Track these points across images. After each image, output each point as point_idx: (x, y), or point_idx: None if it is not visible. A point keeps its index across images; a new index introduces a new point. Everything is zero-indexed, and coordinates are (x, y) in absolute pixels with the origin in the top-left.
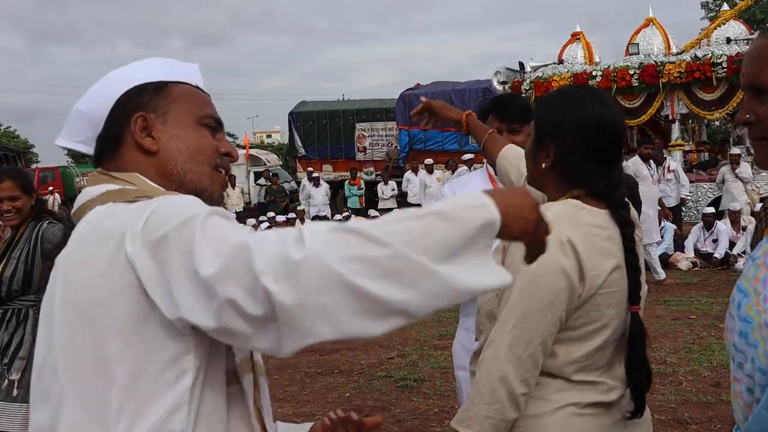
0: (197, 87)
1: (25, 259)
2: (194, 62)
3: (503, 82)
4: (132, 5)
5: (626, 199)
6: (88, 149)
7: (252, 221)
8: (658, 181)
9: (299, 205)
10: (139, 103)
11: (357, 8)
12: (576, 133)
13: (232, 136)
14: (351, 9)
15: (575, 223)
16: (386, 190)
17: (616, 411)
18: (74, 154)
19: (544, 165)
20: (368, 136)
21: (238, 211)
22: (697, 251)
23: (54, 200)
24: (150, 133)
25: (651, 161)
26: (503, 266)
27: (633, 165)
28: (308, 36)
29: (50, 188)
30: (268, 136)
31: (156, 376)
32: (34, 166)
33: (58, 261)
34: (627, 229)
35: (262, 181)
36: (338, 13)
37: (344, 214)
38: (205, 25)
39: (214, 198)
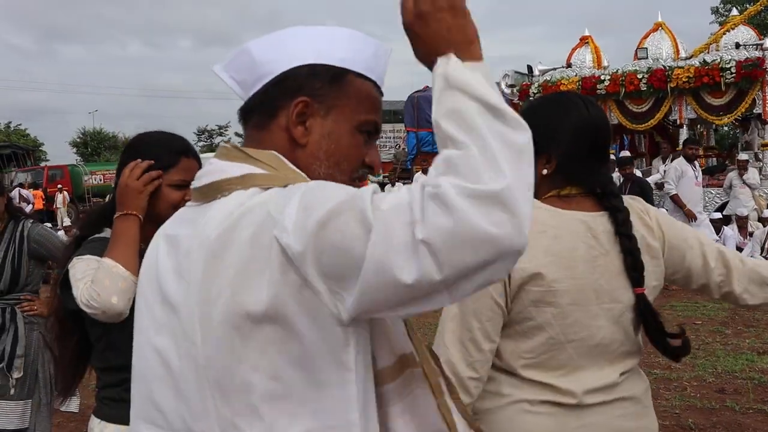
0: (375, 83)
1: (11, 259)
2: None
3: (511, 86)
4: (140, 4)
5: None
6: (241, 92)
7: None
8: (702, 184)
9: None
10: (308, 87)
11: (364, 8)
12: (578, 136)
13: (240, 136)
14: (358, 9)
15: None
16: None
17: (591, 414)
18: (83, 153)
19: (545, 171)
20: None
21: None
22: None
23: (63, 198)
24: (304, 121)
25: (695, 162)
26: None
27: (678, 166)
28: None
29: (59, 186)
30: None
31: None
32: (43, 164)
33: (191, 245)
34: (619, 215)
35: None
36: (345, 12)
37: None
38: (213, 24)
39: None
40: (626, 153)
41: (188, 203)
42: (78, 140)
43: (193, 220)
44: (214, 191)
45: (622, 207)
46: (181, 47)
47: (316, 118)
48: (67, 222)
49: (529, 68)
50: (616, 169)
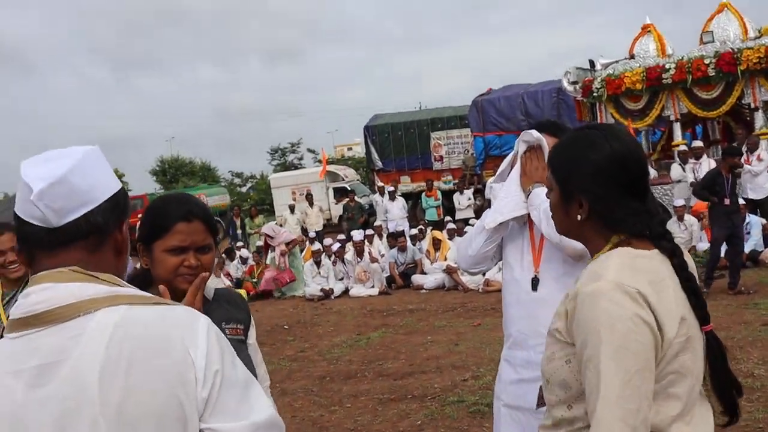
0: None
1: None
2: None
3: (574, 82)
4: (208, 27)
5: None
6: (54, 218)
7: (329, 241)
8: None
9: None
10: (125, 207)
11: (425, 10)
12: (602, 177)
13: (312, 152)
14: (423, 13)
15: (638, 273)
16: (462, 200)
17: None
18: (162, 181)
19: (579, 217)
20: (444, 145)
21: (317, 230)
22: None
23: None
24: (141, 249)
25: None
26: (568, 331)
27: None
28: (383, 45)
29: (139, 216)
30: (349, 149)
31: None
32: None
33: (88, 366)
34: (676, 259)
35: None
36: (411, 18)
37: (419, 227)
38: (281, 42)
39: None
40: (698, 143)
41: (18, 334)
42: (157, 168)
43: (48, 345)
44: (71, 312)
45: (676, 248)
46: (252, 67)
47: (124, 230)
48: None
49: (591, 63)
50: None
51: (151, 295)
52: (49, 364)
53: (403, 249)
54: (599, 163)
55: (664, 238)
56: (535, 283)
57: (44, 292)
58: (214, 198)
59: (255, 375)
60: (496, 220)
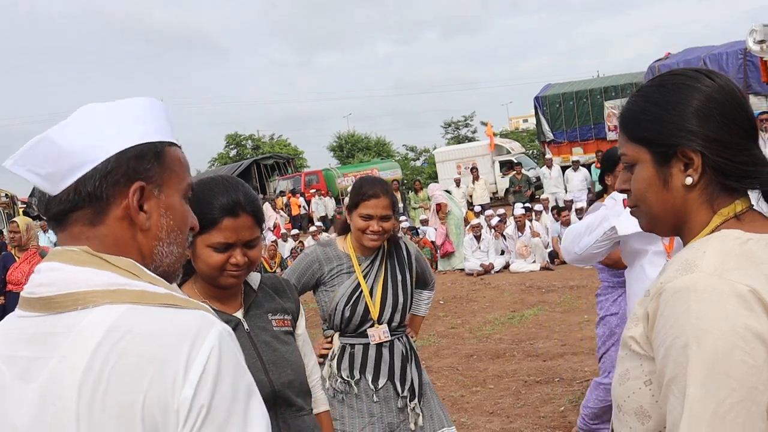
0: (178, 145)
1: None
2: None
3: (761, 41)
4: (387, 3)
5: None
6: (47, 186)
7: (490, 212)
8: None
9: (543, 193)
10: (140, 170)
11: None
12: (716, 114)
13: (485, 124)
14: None
15: (750, 262)
16: None
17: None
18: (339, 156)
19: (690, 180)
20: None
21: (482, 204)
22: None
23: (320, 200)
24: (142, 206)
25: None
26: (648, 341)
27: None
28: (561, 13)
29: (313, 190)
30: (525, 121)
31: None
32: (304, 170)
33: (68, 374)
34: None
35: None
36: None
37: (588, 200)
38: (457, 14)
39: (173, 277)
40: None
41: (22, 313)
42: (334, 144)
43: (40, 336)
44: (73, 302)
45: None
46: (428, 39)
47: (152, 199)
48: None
49: None
50: None
51: (165, 292)
52: (37, 359)
53: (567, 223)
54: (708, 97)
55: None
56: None
57: (50, 273)
58: (387, 172)
59: (303, 367)
60: (630, 230)
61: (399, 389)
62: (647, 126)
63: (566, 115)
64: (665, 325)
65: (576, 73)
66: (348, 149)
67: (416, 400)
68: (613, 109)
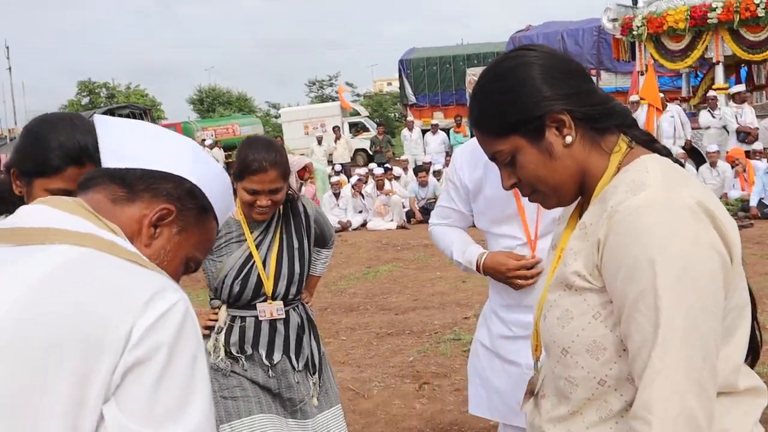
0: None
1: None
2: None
3: (613, 20)
4: None
5: None
6: (104, 153)
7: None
8: None
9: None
10: (181, 200)
11: None
12: (559, 74)
13: (351, 85)
14: None
15: (685, 177)
16: None
17: None
18: (199, 110)
19: (569, 139)
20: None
21: (343, 162)
22: None
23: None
24: (158, 225)
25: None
26: (596, 271)
27: None
28: None
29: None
30: (389, 84)
31: None
32: (162, 122)
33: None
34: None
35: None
36: None
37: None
38: None
39: None
40: (741, 87)
41: None
42: (194, 97)
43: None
44: (39, 236)
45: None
46: None
47: (169, 229)
48: None
49: (634, 0)
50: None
51: (138, 254)
52: None
53: (424, 184)
54: (542, 65)
55: (655, 141)
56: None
57: (31, 211)
58: (248, 128)
59: None
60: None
61: (294, 363)
62: (509, 114)
63: (429, 79)
64: (623, 246)
65: (441, 40)
66: (209, 103)
67: (316, 374)
68: (473, 76)
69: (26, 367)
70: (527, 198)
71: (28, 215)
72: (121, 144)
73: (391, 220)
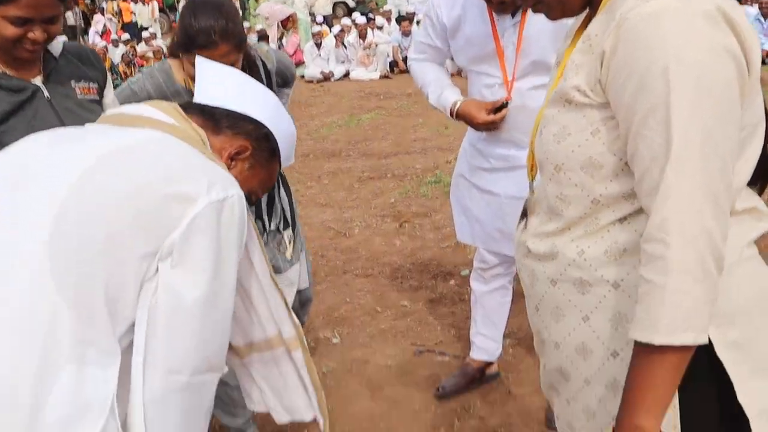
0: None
1: None
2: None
3: None
4: None
5: None
6: (201, 88)
7: (346, 20)
8: None
9: None
10: (257, 141)
11: None
12: None
13: None
14: None
15: None
16: None
17: None
18: None
19: None
20: None
21: (325, 14)
22: None
23: (152, 10)
24: (233, 158)
25: None
26: (598, 85)
27: None
28: None
29: None
30: None
31: None
32: None
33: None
34: None
35: None
36: None
37: None
38: None
39: None
40: None
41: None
42: None
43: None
44: (130, 121)
45: None
46: None
47: (243, 164)
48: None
49: None
50: None
51: (209, 150)
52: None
53: (407, 33)
54: None
55: None
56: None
57: (136, 106)
58: None
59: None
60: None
61: (267, 224)
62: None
63: None
64: (632, 56)
65: None
66: None
67: (290, 229)
68: None
69: (112, 206)
70: (530, 9)
71: (134, 109)
72: (216, 86)
73: (375, 70)
